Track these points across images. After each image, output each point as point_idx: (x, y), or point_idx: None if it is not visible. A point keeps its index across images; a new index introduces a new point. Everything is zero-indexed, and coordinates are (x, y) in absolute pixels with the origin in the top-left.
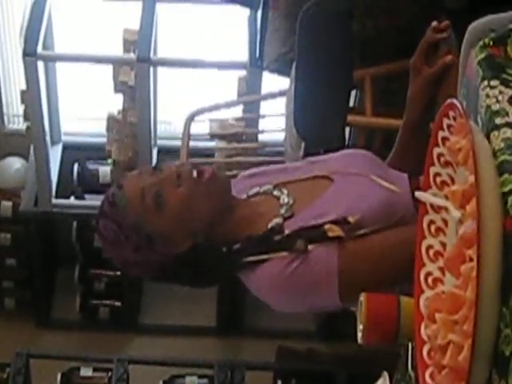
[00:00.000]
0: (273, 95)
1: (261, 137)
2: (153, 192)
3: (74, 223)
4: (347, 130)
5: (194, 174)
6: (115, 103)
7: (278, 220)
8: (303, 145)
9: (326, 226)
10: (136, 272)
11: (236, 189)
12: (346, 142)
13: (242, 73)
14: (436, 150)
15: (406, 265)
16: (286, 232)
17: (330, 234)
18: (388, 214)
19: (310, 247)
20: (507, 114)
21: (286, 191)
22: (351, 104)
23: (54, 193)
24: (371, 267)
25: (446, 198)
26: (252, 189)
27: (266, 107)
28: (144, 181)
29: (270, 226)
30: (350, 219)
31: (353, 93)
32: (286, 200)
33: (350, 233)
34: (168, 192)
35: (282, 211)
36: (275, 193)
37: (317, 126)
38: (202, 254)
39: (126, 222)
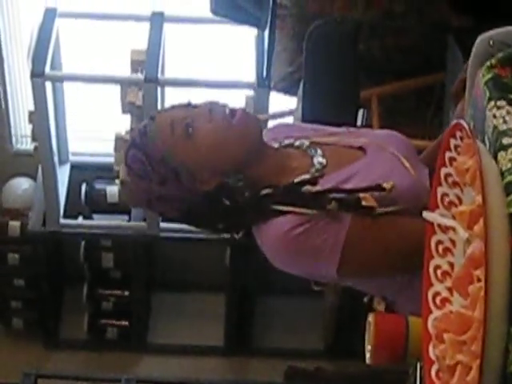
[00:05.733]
0: (280, 115)
1: None
2: (183, 123)
3: (82, 243)
4: None
5: (227, 111)
6: (123, 123)
7: (307, 176)
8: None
9: (361, 195)
10: (160, 208)
11: (269, 136)
12: None
13: (250, 92)
14: (443, 171)
15: (410, 254)
16: (318, 188)
17: (364, 203)
18: (410, 198)
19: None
20: None
21: (320, 152)
22: (358, 123)
23: (61, 213)
24: (376, 248)
25: (454, 218)
26: (286, 139)
27: None
28: (176, 113)
29: (297, 180)
30: (385, 185)
31: (360, 112)
32: (319, 159)
33: (383, 204)
34: (198, 125)
35: (313, 170)
36: (309, 151)
37: None
38: (228, 194)
39: (155, 152)
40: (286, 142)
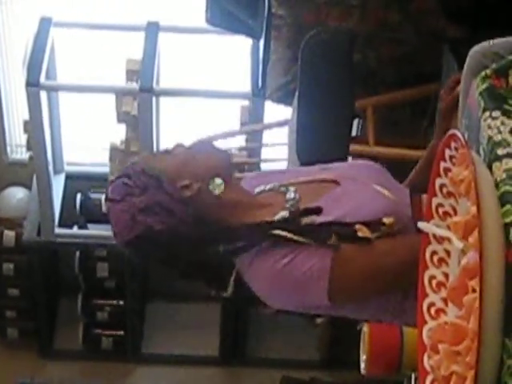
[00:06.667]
0: (275, 125)
1: (263, 166)
2: (162, 150)
3: (77, 253)
4: (349, 159)
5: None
6: (118, 133)
7: (284, 213)
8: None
9: (357, 226)
10: (146, 222)
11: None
12: None
13: (245, 102)
14: (438, 181)
15: (396, 272)
16: (319, 221)
17: (360, 234)
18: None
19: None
20: (509, 145)
21: (292, 188)
22: (354, 133)
23: (56, 222)
24: (362, 269)
25: (449, 228)
26: (258, 187)
27: (268, 137)
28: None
29: (276, 218)
30: (385, 221)
31: (355, 122)
32: (292, 195)
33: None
34: (176, 146)
35: (288, 205)
36: (281, 189)
37: (319, 156)
38: (208, 201)
39: (135, 168)
40: (259, 189)
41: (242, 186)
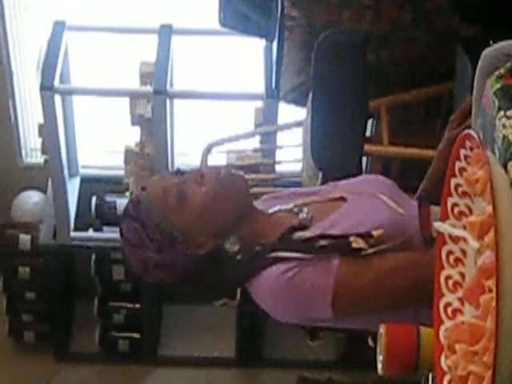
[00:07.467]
0: (289, 126)
1: (278, 167)
2: (176, 190)
3: (93, 256)
4: (364, 159)
5: (216, 173)
6: (132, 136)
7: (295, 222)
8: (320, 175)
9: (351, 238)
10: (159, 276)
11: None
12: (363, 172)
13: (259, 104)
14: (453, 181)
15: (402, 290)
16: (309, 234)
17: (354, 246)
18: (397, 234)
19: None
20: None
21: (305, 209)
22: (368, 133)
23: (72, 226)
24: (366, 286)
25: (464, 228)
26: (272, 208)
27: (282, 138)
28: (167, 180)
29: (286, 228)
30: (374, 233)
31: (369, 122)
32: (304, 216)
33: (371, 244)
34: (191, 190)
35: (300, 220)
36: (295, 210)
37: (334, 156)
38: (223, 258)
39: (149, 221)
40: (274, 209)
41: (257, 207)
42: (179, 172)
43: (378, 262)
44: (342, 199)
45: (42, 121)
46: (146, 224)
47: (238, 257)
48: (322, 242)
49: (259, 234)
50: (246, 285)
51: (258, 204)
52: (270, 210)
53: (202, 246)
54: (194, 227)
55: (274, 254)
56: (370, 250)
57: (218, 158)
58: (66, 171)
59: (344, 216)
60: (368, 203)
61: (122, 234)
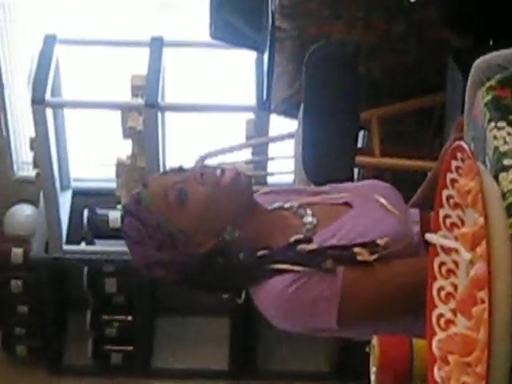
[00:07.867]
0: (281, 137)
1: (270, 179)
2: (176, 189)
3: (85, 269)
4: (356, 170)
5: (218, 172)
6: (124, 149)
7: (298, 237)
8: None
9: (356, 250)
10: (160, 273)
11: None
12: None
13: (250, 115)
14: (445, 192)
15: (407, 294)
16: (313, 246)
17: (360, 258)
18: (400, 239)
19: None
20: None
21: (309, 211)
22: (359, 145)
23: (64, 239)
24: (372, 293)
25: (456, 239)
26: (274, 203)
27: (274, 149)
28: (168, 179)
29: (291, 240)
30: (379, 242)
31: (360, 134)
32: (309, 220)
33: (379, 256)
34: (191, 189)
35: (304, 230)
36: (299, 212)
37: (325, 168)
38: (224, 254)
39: (150, 219)
40: (275, 205)
41: (258, 204)
42: (181, 169)
43: (382, 269)
44: (348, 205)
45: (33, 134)
46: (146, 223)
47: (241, 256)
48: (327, 254)
49: (261, 232)
50: (249, 289)
51: (258, 196)
52: (271, 206)
53: (203, 245)
54: (195, 227)
55: (277, 266)
56: (374, 257)
57: None
58: (57, 184)
59: (349, 223)
60: (373, 210)
61: (123, 231)
